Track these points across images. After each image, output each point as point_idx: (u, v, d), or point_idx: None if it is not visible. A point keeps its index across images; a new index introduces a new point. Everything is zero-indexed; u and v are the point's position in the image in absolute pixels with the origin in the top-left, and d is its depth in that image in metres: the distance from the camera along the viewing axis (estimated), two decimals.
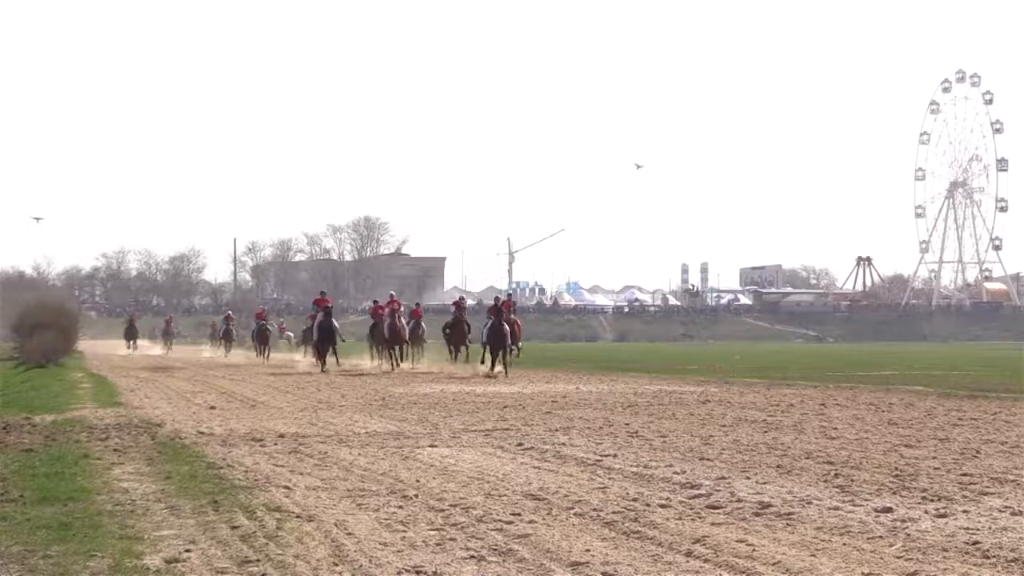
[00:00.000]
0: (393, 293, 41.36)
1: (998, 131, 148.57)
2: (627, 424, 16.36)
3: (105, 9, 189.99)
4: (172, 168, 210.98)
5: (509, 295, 43.40)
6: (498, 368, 32.34)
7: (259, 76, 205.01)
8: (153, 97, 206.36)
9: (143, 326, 67.29)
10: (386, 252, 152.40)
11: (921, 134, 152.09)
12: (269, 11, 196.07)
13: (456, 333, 37.25)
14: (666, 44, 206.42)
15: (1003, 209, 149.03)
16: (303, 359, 43.19)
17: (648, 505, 9.23)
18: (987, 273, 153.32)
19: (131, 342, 62.83)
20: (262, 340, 49.47)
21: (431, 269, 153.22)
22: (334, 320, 38.53)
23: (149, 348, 65.45)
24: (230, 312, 62.73)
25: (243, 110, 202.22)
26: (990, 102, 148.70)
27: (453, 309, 38.52)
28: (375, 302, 42.51)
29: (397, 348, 37.14)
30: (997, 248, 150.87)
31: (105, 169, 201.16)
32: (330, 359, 37.13)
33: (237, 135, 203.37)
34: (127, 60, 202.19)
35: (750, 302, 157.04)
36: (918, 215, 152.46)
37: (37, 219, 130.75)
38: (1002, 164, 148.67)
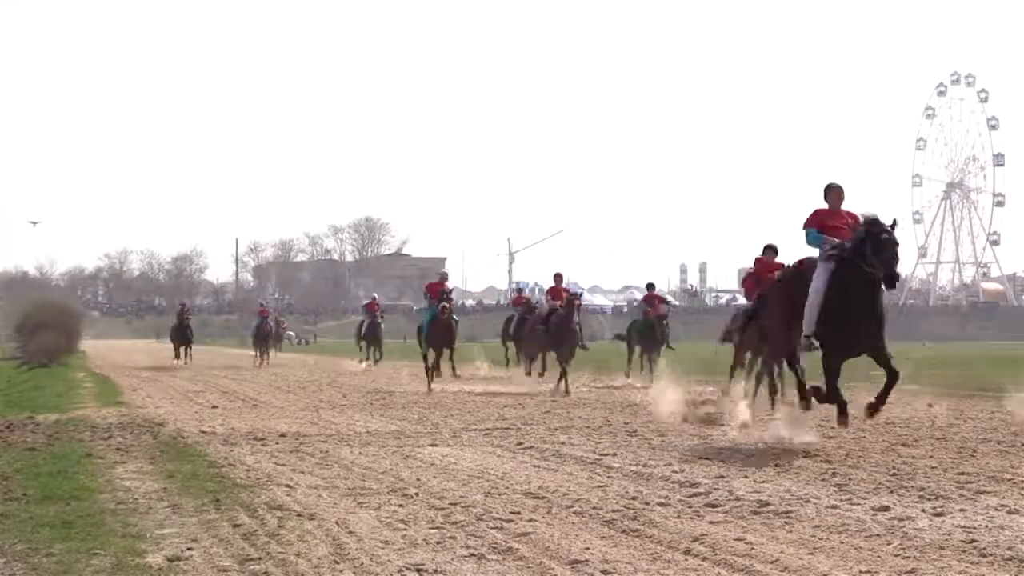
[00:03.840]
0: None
1: (993, 127, 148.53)
2: (626, 423, 16.41)
3: (105, 9, 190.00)
4: (174, 169, 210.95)
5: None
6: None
7: (260, 77, 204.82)
8: (155, 98, 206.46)
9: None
10: (387, 252, 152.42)
11: (917, 140, 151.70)
12: (269, 11, 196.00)
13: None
14: (665, 46, 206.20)
15: (1000, 204, 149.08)
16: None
17: (647, 504, 9.27)
18: (984, 271, 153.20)
19: (183, 348, 42.47)
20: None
21: (431, 269, 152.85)
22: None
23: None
24: (375, 296, 43.36)
25: (244, 111, 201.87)
26: (985, 100, 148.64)
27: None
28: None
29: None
30: (994, 244, 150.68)
31: (107, 170, 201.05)
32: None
33: (238, 136, 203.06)
34: (128, 61, 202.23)
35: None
36: (916, 221, 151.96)
37: (34, 223, 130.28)
38: (998, 160, 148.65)
